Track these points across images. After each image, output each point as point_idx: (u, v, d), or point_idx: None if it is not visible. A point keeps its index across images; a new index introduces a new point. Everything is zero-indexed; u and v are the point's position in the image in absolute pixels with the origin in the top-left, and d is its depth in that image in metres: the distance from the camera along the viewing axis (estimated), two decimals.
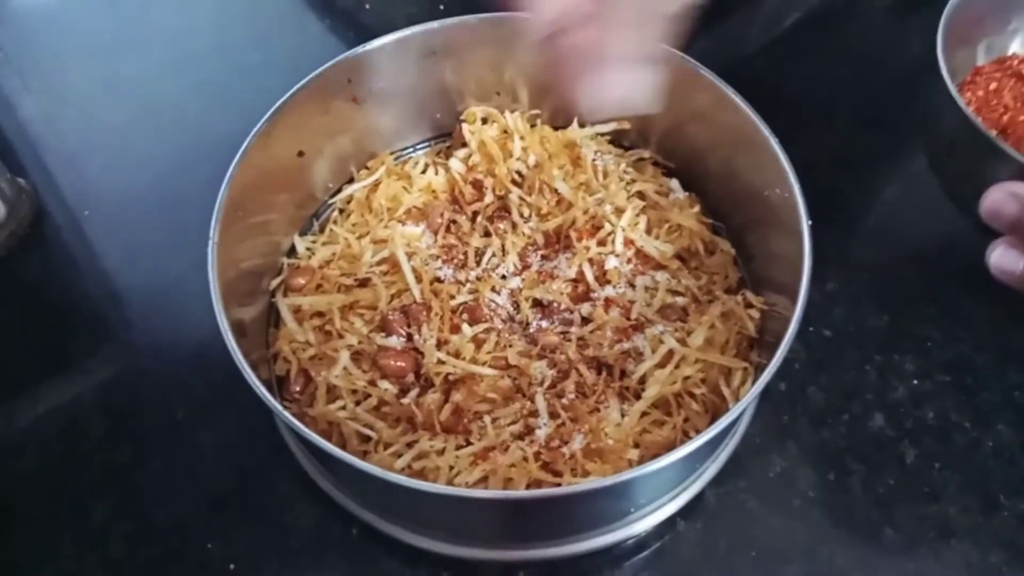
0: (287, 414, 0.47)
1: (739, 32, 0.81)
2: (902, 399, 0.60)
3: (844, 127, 0.74)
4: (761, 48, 0.79)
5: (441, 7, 0.80)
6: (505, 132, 0.65)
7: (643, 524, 0.53)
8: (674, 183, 0.64)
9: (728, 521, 0.55)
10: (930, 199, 0.70)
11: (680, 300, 0.58)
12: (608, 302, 0.58)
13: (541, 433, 0.53)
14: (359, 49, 0.59)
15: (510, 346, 0.56)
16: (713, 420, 0.54)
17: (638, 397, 0.54)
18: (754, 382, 0.53)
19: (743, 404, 0.46)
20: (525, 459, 0.51)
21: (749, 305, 0.57)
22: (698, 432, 0.52)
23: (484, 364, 0.55)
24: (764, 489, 0.56)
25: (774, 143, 0.55)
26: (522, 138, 0.64)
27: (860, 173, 0.71)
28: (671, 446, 0.53)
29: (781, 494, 0.56)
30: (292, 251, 0.62)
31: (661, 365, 0.55)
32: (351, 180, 0.65)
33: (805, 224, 0.51)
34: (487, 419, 0.53)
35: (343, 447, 0.53)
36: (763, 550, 0.54)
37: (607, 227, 0.60)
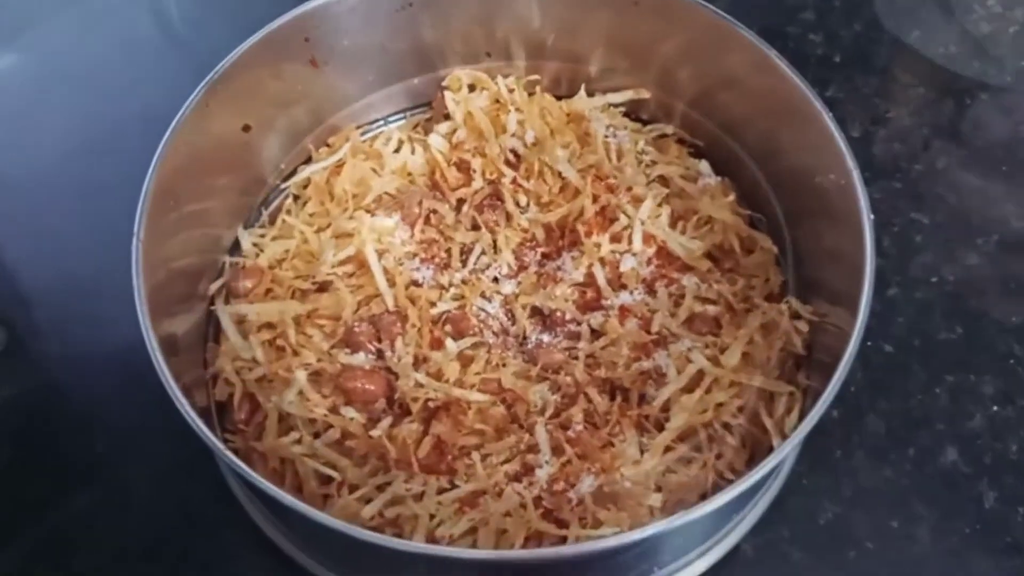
0: (227, 452, 0.46)
1: None
2: (979, 429, 0.60)
3: (908, 95, 0.73)
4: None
5: None
6: (497, 102, 0.65)
7: None
8: (704, 165, 0.64)
9: None
10: (1015, 185, 0.69)
11: (711, 309, 0.58)
12: (623, 311, 0.57)
13: (542, 473, 0.52)
14: (318, 0, 0.58)
15: (504, 365, 0.56)
16: (752, 457, 0.54)
17: (660, 428, 0.54)
18: (802, 410, 0.53)
19: (791, 442, 0.45)
20: (523, 506, 0.50)
21: (796, 316, 0.57)
22: (734, 471, 0.53)
23: (472, 388, 0.55)
24: (813, 540, 0.56)
25: (827, 117, 0.54)
26: (518, 109, 0.64)
27: (929, 153, 0.70)
28: (701, 489, 0.52)
29: (833, 545, 0.56)
30: (236, 247, 0.62)
31: (689, 389, 0.55)
32: (308, 160, 0.65)
33: (867, 218, 0.50)
34: (476, 456, 0.52)
35: (298, 490, 0.52)
36: None
37: (622, 220, 0.60)
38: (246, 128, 0.60)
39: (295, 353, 0.56)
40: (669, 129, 0.66)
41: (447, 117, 0.65)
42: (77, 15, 0.78)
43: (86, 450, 0.59)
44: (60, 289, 0.66)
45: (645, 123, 0.66)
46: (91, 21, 0.78)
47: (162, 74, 0.72)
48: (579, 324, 0.57)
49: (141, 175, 0.52)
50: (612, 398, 0.55)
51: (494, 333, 0.58)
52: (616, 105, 0.66)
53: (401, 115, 0.68)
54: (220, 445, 0.46)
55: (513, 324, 0.58)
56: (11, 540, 0.57)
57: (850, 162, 0.52)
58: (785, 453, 0.46)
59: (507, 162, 0.62)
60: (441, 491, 0.51)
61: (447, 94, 0.65)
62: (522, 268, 0.60)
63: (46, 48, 0.76)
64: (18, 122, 0.73)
